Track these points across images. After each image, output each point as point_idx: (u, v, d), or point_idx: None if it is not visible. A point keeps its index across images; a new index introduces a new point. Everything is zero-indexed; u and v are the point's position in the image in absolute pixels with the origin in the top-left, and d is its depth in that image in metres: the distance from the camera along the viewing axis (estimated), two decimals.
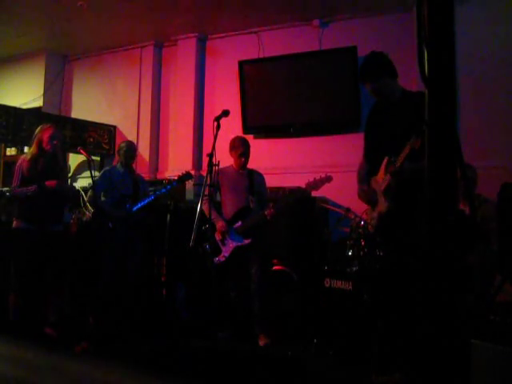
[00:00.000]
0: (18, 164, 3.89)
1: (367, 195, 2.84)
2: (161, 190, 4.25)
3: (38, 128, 3.94)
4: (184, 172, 4.31)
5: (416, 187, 2.59)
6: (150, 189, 4.57)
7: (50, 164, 3.88)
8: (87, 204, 4.67)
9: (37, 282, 3.81)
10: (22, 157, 3.94)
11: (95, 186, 4.09)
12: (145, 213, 4.22)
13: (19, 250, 3.78)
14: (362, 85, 2.91)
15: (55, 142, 3.86)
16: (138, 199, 4.16)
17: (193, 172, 5.69)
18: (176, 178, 4.40)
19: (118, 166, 4.36)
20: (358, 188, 2.96)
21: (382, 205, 2.76)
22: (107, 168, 4.45)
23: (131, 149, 4.38)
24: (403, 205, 2.67)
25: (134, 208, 4.10)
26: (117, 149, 4.56)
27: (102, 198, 4.19)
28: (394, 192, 2.68)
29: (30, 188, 3.71)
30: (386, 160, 2.72)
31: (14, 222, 3.82)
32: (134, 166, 4.58)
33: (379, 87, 2.78)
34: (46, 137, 3.85)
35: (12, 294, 3.78)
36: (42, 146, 3.84)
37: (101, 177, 4.26)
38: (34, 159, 3.83)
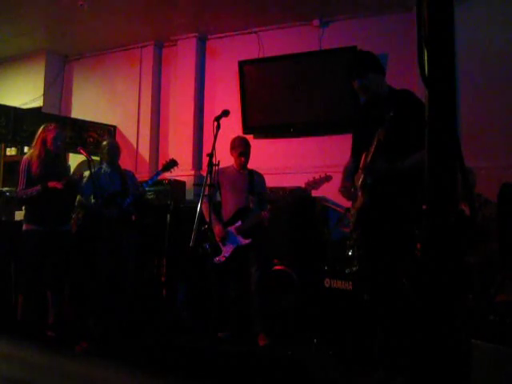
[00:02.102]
0: (22, 166, 3.80)
1: (349, 192, 2.86)
2: (147, 182, 4.26)
3: (41, 128, 3.90)
4: (168, 160, 4.30)
5: (391, 185, 2.64)
6: (140, 185, 4.54)
7: (54, 164, 3.87)
8: (77, 207, 4.63)
9: (42, 282, 3.83)
10: (26, 158, 3.84)
11: (82, 189, 4.06)
12: (136, 210, 4.20)
13: (30, 251, 3.79)
14: (351, 83, 2.91)
15: (59, 143, 3.85)
16: (127, 196, 4.14)
17: (193, 172, 5.72)
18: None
19: (104, 166, 4.28)
20: (340, 184, 2.97)
21: (359, 200, 2.78)
22: (93, 170, 4.38)
23: (114, 146, 4.32)
24: (378, 201, 2.69)
25: (125, 204, 4.08)
26: (100, 149, 4.49)
27: (92, 201, 4.14)
28: (370, 188, 2.71)
29: (34, 189, 3.70)
30: (363, 156, 2.75)
31: (24, 225, 3.82)
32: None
33: (366, 83, 2.78)
34: (50, 138, 3.83)
35: (21, 294, 3.79)
36: (46, 146, 3.82)
37: (87, 180, 4.14)
38: (42, 159, 3.79)
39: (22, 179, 3.76)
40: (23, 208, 5.07)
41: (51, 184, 3.69)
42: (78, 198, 4.20)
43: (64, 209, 3.92)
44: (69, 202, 3.99)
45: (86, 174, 4.11)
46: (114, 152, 4.29)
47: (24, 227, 3.82)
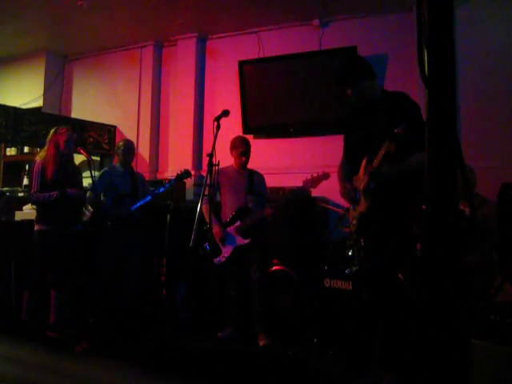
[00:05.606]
0: (36, 168, 3.83)
1: (350, 193, 2.86)
2: (159, 189, 4.26)
3: (53, 131, 3.94)
4: (182, 170, 4.29)
5: (393, 188, 2.65)
6: (151, 189, 4.57)
7: (67, 168, 3.92)
8: (87, 204, 4.67)
9: (49, 281, 3.86)
10: (40, 161, 3.86)
11: (95, 186, 4.10)
12: (143, 213, 4.21)
13: (41, 251, 3.81)
14: (342, 90, 2.90)
15: (72, 146, 3.92)
16: (137, 198, 4.17)
17: (193, 172, 5.70)
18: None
19: (118, 165, 4.36)
20: (340, 186, 2.96)
21: (363, 205, 2.78)
22: (106, 168, 4.44)
23: (129, 147, 4.36)
24: (381, 204, 2.69)
25: (133, 207, 4.10)
26: (115, 148, 4.55)
27: (102, 198, 4.19)
28: (373, 192, 2.70)
29: (52, 194, 3.72)
30: (365, 159, 2.74)
31: (36, 225, 3.85)
32: (133, 165, 4.58)
33: (360, 90, 2.78)
34: (63, 141, 3.87)
35: (26, 292, 3.80)
36: (59, 149, 3.85)
37: (100, 177, 4.27)
38: (56, 163, 3.82)
39: (35, 182, 3.79)
40: (23, 208, 5.10)
41: (69, 191, 3.73)
42: (89, 193, 4.22)
43: (75, 209, 3.96)
44: (78, 203, 4.06)
45: (101, 171, 4.17)
46: (128, 153, 4.33)
47: (36, 227, 3.85)
